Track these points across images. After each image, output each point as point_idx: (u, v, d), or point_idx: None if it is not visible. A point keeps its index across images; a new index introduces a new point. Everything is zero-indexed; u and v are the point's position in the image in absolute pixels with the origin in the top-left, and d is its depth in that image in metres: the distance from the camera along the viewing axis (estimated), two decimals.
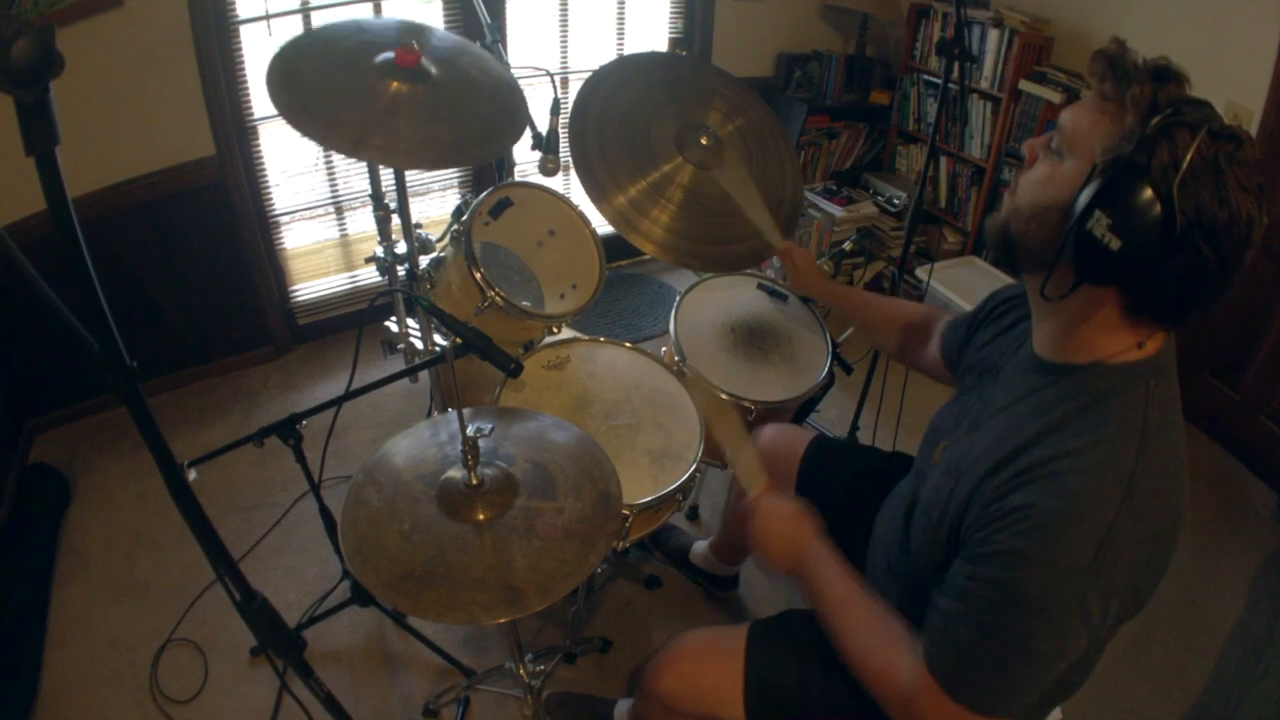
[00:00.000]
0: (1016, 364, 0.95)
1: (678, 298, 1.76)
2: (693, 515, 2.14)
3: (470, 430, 1.04)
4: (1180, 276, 0.73)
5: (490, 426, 1.12)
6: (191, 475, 0.98)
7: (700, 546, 1.85)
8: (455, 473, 1.08)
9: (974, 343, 1.11)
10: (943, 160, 3.18)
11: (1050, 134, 0.85)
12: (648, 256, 3.01)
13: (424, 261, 1.73)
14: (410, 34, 1.38)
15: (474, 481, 1.06)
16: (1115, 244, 0.72)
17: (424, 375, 2.22)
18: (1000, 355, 1.02)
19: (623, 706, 1.49)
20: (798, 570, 1.02)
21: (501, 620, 0.95)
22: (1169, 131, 0.71)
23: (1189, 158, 0.69)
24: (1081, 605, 0.76)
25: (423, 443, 1.17)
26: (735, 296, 1.85)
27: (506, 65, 1.62)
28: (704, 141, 1.55)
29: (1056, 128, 0.84)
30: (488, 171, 2.75)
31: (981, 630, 0.80)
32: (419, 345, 1.93)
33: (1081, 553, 0.75)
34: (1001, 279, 2.88)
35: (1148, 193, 0.71)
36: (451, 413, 1.21)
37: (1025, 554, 0.76)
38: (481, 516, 1.04)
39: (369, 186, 1.84)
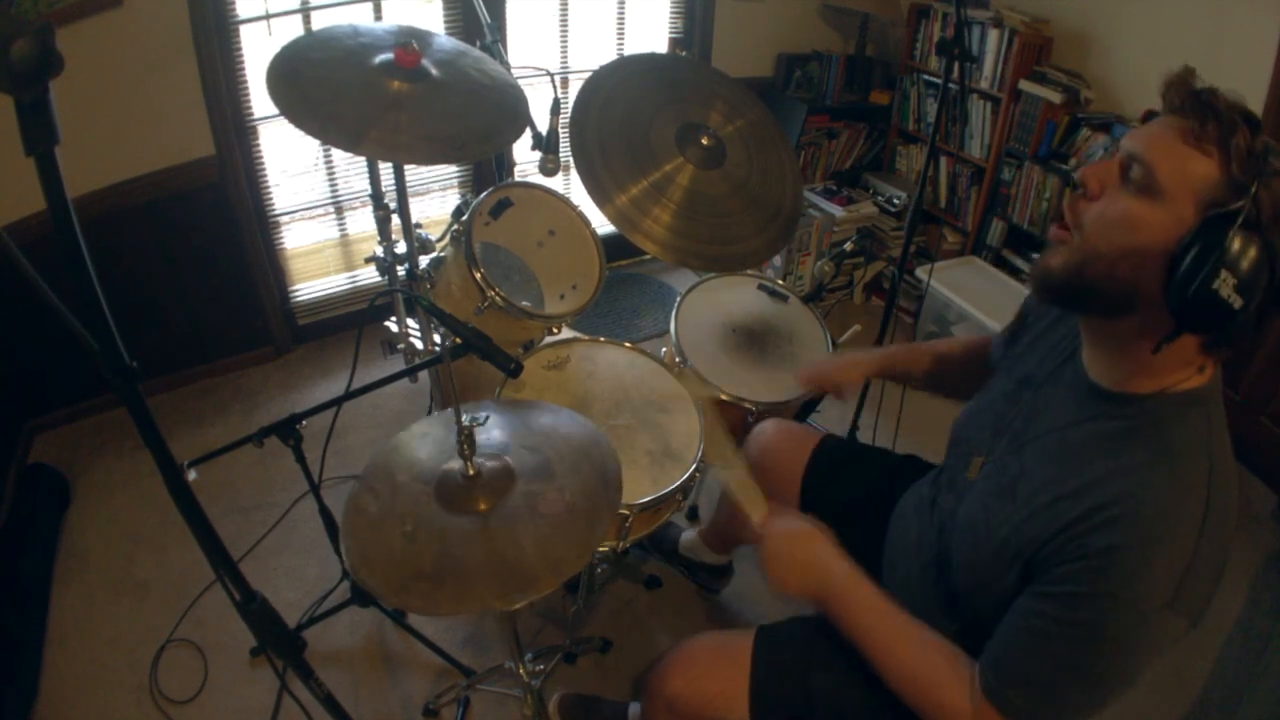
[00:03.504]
0: (1066, 384, 0.93)
1: (678, 298, 1.76)
2: (693, 515, 2.14)
3: (465, 420, 1.03)
4: (1261, 312, 0.74)
5: (485, 415, 1.12)
6: (191, 475, 0.98)
7: (689, 536, 1.83)
8: (452, 465, 1.07)
9: (1014, 347, 1.10)
10: (943, 160, 3.18)
11: (1118, 161, 0.80)
12: (648, 256, 3.02)
13: (424, 261, 1.73)
14: (410, 36, 1.39)
15: (471, 472, 1.05)
16: (1239, 303, 0.72)
17: (424, 375, 2.22)
18: (1039, 364, 1.00)
19: (634, 710, 1.48)
20: (823, 596, 0.99)
21: (519, 605, 0.94)
22: (1269, 183, 0.72)
23: None
24: (1164, 634, 0.78)
25: (415, 444, 1.16)
26: (735, 297, 1.85)
27: (506, 65, 1.62)
28: (704, 142, 1.55)
29: (1134, 158, 0.78)
30: (488, 171, 2.75)
31: (1064, 667, 0.81)
32: (419, 345, 1.93)
33: (1166, 587, 0.76)
34: (1002, 280, 2.88)
35: (1261, 249, 0.71)
36: (441, 411, 1.21)
37: (1113, 596, 0.77)
38: (483, 506, 1.03)
39: (369, 186, 1.85)
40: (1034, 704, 0.83)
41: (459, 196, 2.81)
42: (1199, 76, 0.78)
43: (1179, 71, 0.79)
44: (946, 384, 1.35)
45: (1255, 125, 0.75)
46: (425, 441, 1.16)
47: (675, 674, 1.14)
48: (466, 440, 1.03)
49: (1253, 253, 0.71)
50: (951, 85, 1.80)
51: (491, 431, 1.15)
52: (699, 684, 1.12)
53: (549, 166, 1.57)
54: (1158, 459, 0.80)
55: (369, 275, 2.78)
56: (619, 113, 1.53)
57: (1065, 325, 1.00)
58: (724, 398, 1.58)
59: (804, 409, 1.78)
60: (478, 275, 1.47)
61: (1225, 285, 0.71)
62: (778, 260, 3.09)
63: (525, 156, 1.89)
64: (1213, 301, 0.72)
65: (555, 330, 1.62)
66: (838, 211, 3.15)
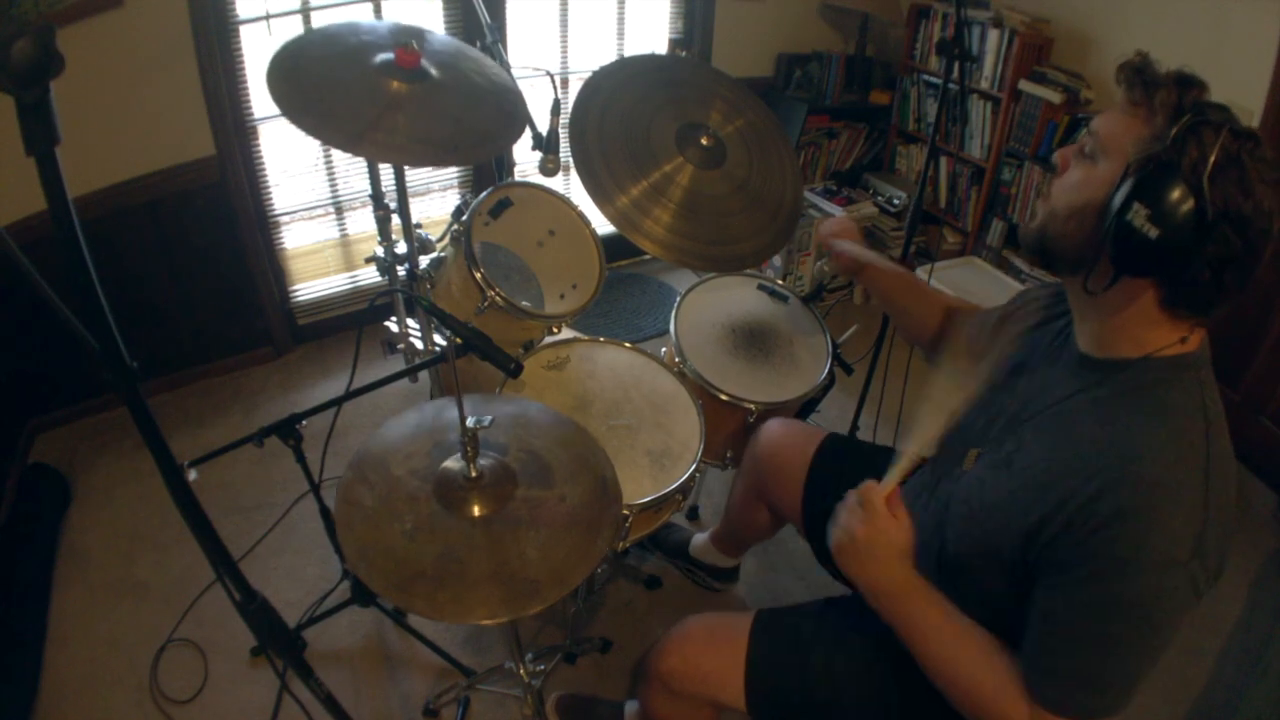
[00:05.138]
0: (1061, 362, 0.96)
1: (678, 298, 1.76)
2: (693, 515, 2.14)
3: (470, 421, 1.02)
4: (1211, 265, 0.77)
5: (490, 418, 1.11)
6: (191, 475, 0.98)
7: (700, 539, 1.85)
8: (452, 464, 1.07)
9: (1001, 339, 1.11)
10: (943, 160, 3.18)
11: (1081, 141, 0.89)
12: (648, 256, 3.02)
13: (424, 261, 1.73)
14: (409, 36, 1.38)
15: (473, 474, 1.04)
16: (1154, 233, 0.76)
17: (424, 375, 2.21)
18: (1032, 352, 1.02)
19: (631, 707, 1.49)
20: (886, 597, 0.95)
21: (524, 614, 0.94)
22: (1196, 130, 0.76)
23: (1215, 154, 0.74)
24: (1189, 591, 0.79)
25: (408, 435, 1.15)
26: (736, 297, 1.85)
27: (506, 65, 1.62)
28: (704, 142, 1.55)
29: (1088, 133, 0.88)
30: (488, 171, 2.75)
31: (1101, 648, 0.81)
32: (419, 345, 1.93)
33: (1184, 542, 0.77)
34: (1002, 280, 2.88)
35: (1180, 186, 0.75)
36: (434, 402, 1.21)
37: (1133, 562, 0.78)
38: (485, 510, 1.03)
39: (369, 186, 1.84)
40: (1084, 695, 0.82)
41: (459, 196, 2.81)
42: (1150, 57, 0.85)
43: (1134, 56, 0.86)
44: (914, 324, 1.38)
45: (1188, 85, 0.80)
46: (418, 434, 1.15)
47: (672, 651, 1.15)
48: (471, 442, 1.03)
49: (1167, 189, 0.76)
50: (951, 85, 1.80)
51: (489, 430, 1.15)
52: (695, 661, 1.13)
53: (549, 167, 1.57)
54: (1153, 419, 0.82)
55: (369, 275, 2.78)
56: (619, 113, 1.53)
57: (1061, 310, 1.02)
58: (724, 398, 1.59)
59: (804, 409, 1.78)
60: (478, 275, 1.47)
61: (1138, 216, 0.77)
62: (778, 260, 3.09)
63: (525, 156, 1.89)
64: (1129, 233, 0.78)
65: (555, 330, 1.62)
66: (838, 212, 3.15)
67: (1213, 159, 0.74)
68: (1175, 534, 0.77)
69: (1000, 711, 0.88)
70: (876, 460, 1.40)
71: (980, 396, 1.06)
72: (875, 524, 0.91)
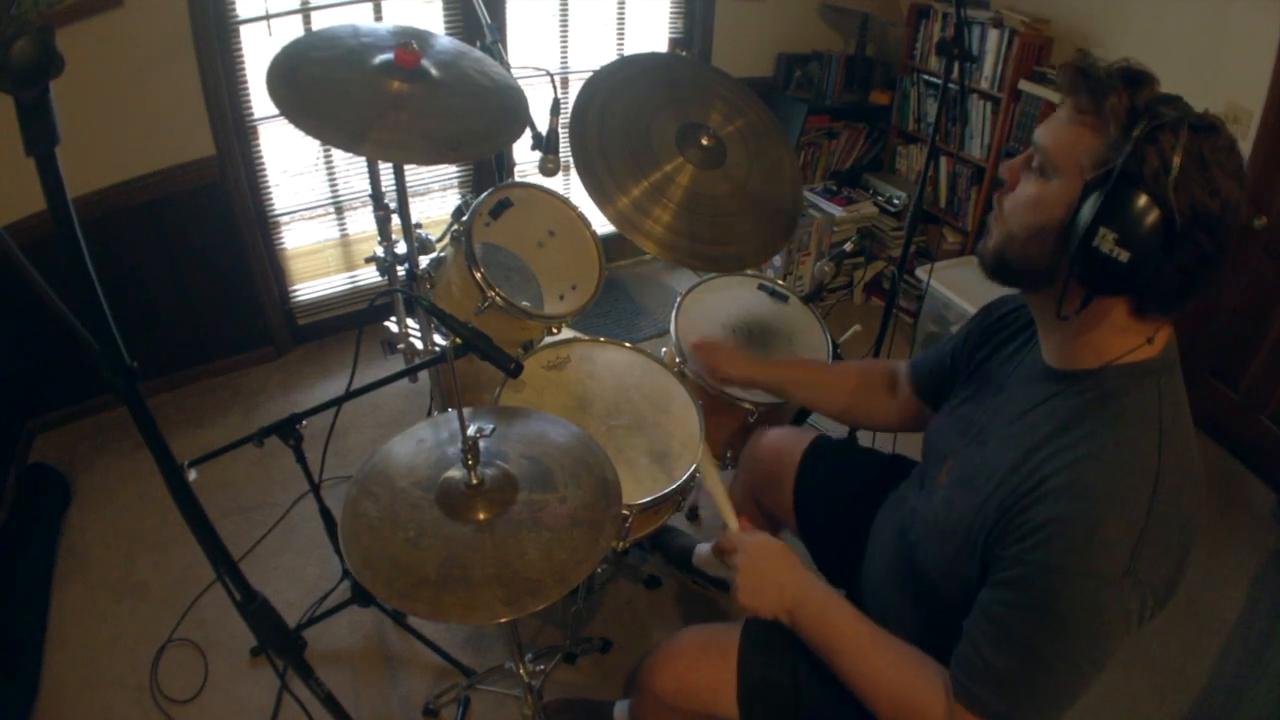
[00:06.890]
0: (1023, 375, 0.95)
1: (678, 298, 1.76)
2: (693, 516, 2.14)
3: (470, 430, 1.04)
4: (1184, 270, 0.74)
5: (491, 426, 1.12)
6: (191, 475, 0.98)
7: (703, 549, 1.85)
8: (454, 473, 1.08)
9: (973, 358, 1.10)
10: (943, 160, 3.18)
11: (1027, 153, 0.85)
12: (648, 256, 3.02)
13: (424, 261, 1.73)
14: (410, 36, 1.39)
15: (474, 481, 1.06)
16: (1124, 256, 0.73)
17: (424, 375, 2.21)
18: (1001, 367, 1.01)
19: (621, 708, 1.49)
20: (794, 613, 1.01)
21: (526, 613, 0.95)
22: (1154, 136, 0.72)
23: (1178, 159, 0.71)
24: (1123, 609, 0.76)
25: (412, 450, 1.16)
26: (736, 297, 1.85)
27: (506, 65, 1.62)
28: (704, 142, 1.55)
29: (1035, 146, 0.83)
30: (488, 172, 2.75)
31: (1025, 654, 0.80)
32: (419, 345, 1.93)
33: (1119, 557, 0.74)
34: None
35: (1145, 200, 0.72)
36: (434, 417, 1.22)
37: (1061, 568, 0.76)
38: (487, 515, 1.04)
39: (369, 186, 1.84)
40: (1003, 699, 0.82)
41: (459, 196, 2.81)
42: (1091, 56, 0.80)
43: (1073, 56, 0.81)
44: (837, 408, 1.38)
45: (1137, 83, 0.75)
46: (422, 448, 1.16)
47: (664, 667, 1.14)
48: (471, 451, 1.04)
49: (1132, 207, 0.72)
50: (951, 85, 1.80)
51: (491, 438, 1.15)
52: (687, 676, 1.12)
53: (549, 167, 1.57)
54: (1102, 429, 0.80)
55: (369, 275, 2.78)
56: (619, 113, 1.53)
57: (1026, 321, 1.01)
58: (724, 398, 1.58)
59: (803, 410, 1.78)
60: (478, 275, 1.47)
61: (1105, 241, 0.73)
62: (778, 260, 3.09)
63: (525, 157, 1.89)
64: (1098, 259, 0.74)
65: (555, 330, 1.62)
66: (838, 211, 3.15)
67: (1176, 166, 0.70)
68: (1109, 548, 0.74)
69: (912, 710, 0.89)
70: (863, 460, 1.41)
71: (954, 409, 1.07)
72: (750, 560, 1.04)
